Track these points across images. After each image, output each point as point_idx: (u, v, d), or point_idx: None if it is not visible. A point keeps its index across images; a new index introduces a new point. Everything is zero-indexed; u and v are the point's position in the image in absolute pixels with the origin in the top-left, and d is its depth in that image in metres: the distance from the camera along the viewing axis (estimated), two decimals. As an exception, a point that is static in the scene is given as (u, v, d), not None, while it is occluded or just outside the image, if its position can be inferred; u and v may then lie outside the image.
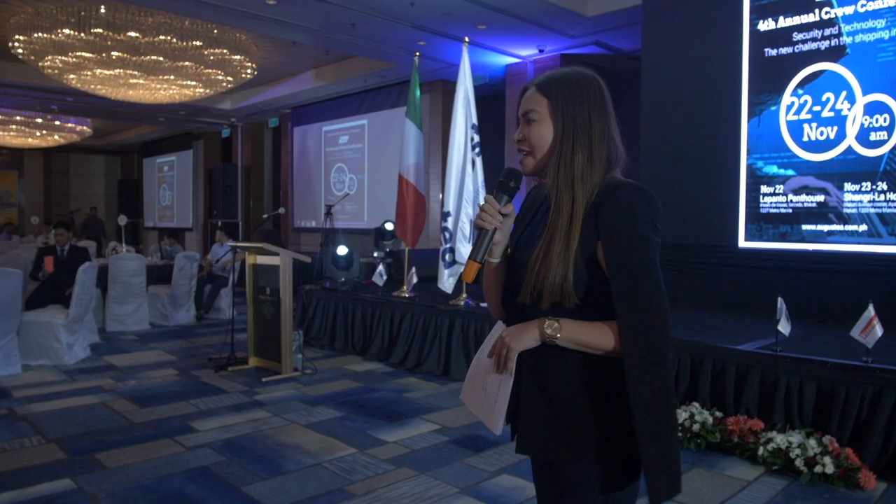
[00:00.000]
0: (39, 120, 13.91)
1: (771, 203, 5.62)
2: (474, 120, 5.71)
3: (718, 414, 3.94)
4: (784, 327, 3.83)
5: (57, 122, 14.29)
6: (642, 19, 6.55)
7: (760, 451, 3.59)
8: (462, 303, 5.69)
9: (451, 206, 5.68)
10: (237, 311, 6.40)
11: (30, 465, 3.53)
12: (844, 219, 5.22)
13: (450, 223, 5.70)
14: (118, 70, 8.50)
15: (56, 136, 15.06)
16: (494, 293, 1.51)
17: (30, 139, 15.00)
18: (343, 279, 7.04)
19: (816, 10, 5.36)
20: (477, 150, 5.68)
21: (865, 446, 3.44)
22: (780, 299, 3.87)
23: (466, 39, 5.84)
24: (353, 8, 6.93)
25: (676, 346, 4.27)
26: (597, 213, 1.32)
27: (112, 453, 3.72)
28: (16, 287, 5.55)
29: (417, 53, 6.45)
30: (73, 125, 14.71)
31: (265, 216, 8.19)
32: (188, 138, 16.18)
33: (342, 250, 7.31)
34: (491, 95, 9.74)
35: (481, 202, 1.39)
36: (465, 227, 5.65)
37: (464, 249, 5.63)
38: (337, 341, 6.64)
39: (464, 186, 5.66)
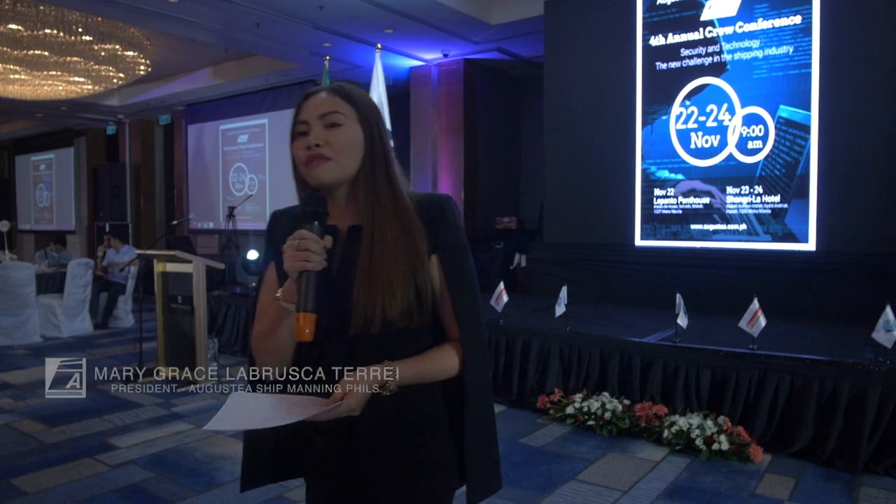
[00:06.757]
0: None
1: (663, 205, 6.12)
2: (388, 126, 5.81)
3: (626, 401, 4.31)
4: (682, 321, 4.24)
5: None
6: (544, 31, 6.89)
7: (665, 433, 3.97)
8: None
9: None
10: (138, 319, 6.19)
11: (-62, 496, 3.33)
12: (727, 219, 5.78)
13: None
14: (-4, 64, 7.91)
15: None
16: (286, 344, 1.25)
17: None
18: (254, 284, 6.92)
19: (701, 29, 5.88)
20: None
21: (753, 424, 3.89)
22: (678, 295, 4.28)
23: (379, 46, 5.93)
24: (259, 9, 6.81)
25: (587, 340, 4.62)
26: (430, 229, 1.23)
27: (30, 477, 3.56)
28: None
29: (328, 57, 6.47)
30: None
31: (174, 222, 7.88)
32: (68, 135, 15.12)
33: (252, 255, 7.19)
34: (392, 97, 9.81)
35: (296, 241, 1.11)
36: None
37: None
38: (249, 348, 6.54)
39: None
